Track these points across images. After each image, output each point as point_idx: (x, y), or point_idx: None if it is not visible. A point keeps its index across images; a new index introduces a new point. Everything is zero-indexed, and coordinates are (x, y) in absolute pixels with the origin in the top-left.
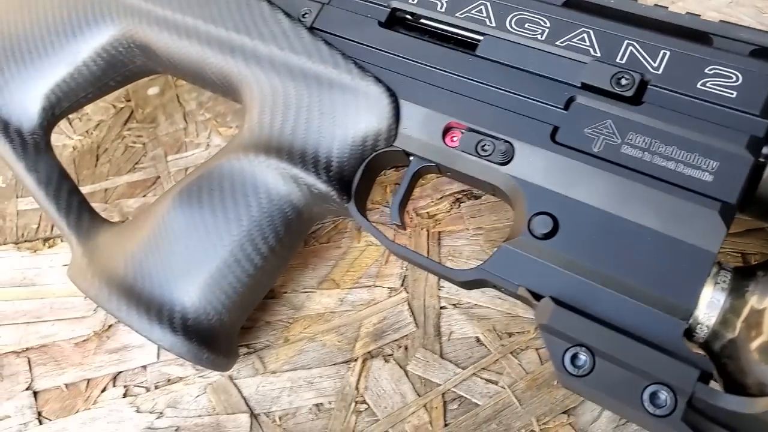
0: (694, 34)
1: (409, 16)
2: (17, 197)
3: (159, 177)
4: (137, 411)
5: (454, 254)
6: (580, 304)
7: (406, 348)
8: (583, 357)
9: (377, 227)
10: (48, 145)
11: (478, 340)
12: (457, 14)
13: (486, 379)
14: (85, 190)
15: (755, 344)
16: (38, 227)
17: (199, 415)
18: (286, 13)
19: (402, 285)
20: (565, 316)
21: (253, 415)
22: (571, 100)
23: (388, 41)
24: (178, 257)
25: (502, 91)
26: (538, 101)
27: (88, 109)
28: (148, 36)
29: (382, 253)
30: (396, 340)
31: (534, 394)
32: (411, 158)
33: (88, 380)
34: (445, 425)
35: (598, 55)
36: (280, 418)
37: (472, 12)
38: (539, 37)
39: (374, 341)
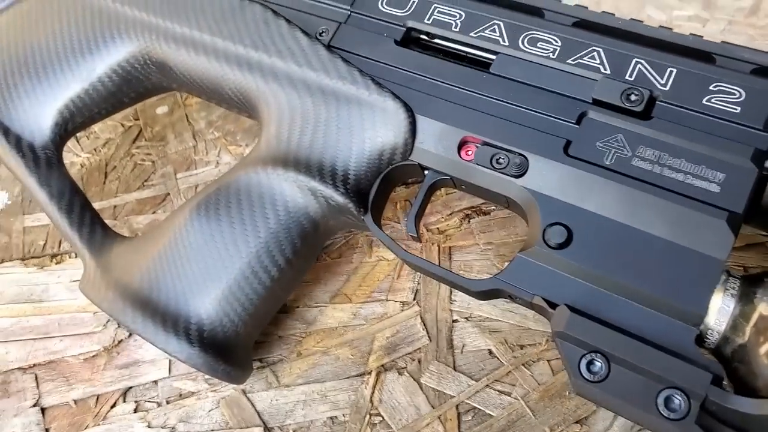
0: (697, 53)
1: (424, 36)
2: (23, 214)
3: (168, 194)
4: (148, 426)
5: (464, 269)
6: (594, 311)
7: (419, 361)
8: (599, 363)
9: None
10: (60, 160)
11: (490, 352)
12: (471, 34)
13: (499, 391)
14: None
15: (765, 348)
16: (45, 243)
17: (212, 430)
18: (303, 31)
19: (414, 299)
20: (580, 323)
21: (267, 429)
22: (583, 115)
23: (404, 59)
24: (195, 269)
25: (516, 107)
26: (551, 116)
27: (96, 127)
28: (165, 53)
29: (394, 267)
30: (409, 353)
31: (547, 405)
32: (426, 172)
33: (98, 396)
34: None
35: (608, 72)
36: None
37: (486, 32)
38: (551, 55)
39: (387, 354)
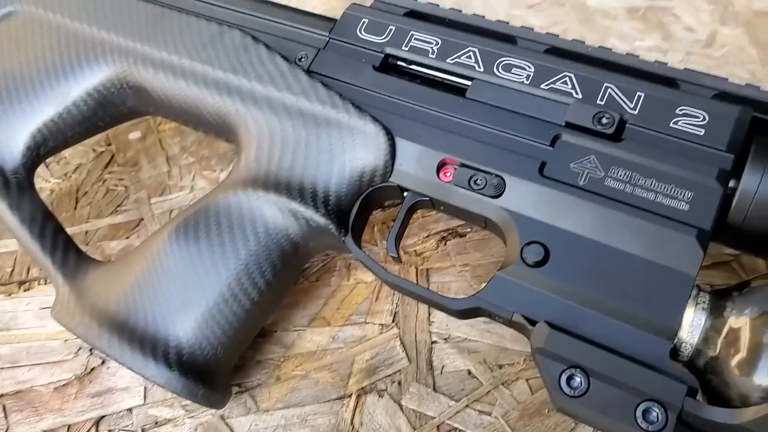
0: (662, 79)
1: (401, 62)
2: None
3: (143, 219)
4: None
5: (442, 290)
6: (572, 327)
7: (399, 383)
8: (578, 378)
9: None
10: (31, 184)
11: (469, 372)
12: (447, 60)
13: (479, 411)
14: None
15: (735, 360)
16: (12, 270)
17: None
18: (283, 56)
19: (393, 321)
20: (560, 339)
21: None
22: (556, 137)
23: (382, 84)
24: (173, 292)
25: (492, 130)
26: (526, 139)
27: (66, 152)
28: (142, 77)
29: (372, 290)
30: (389, 375)
31: (527, 423)
32: (405, 193)
33: (69, 426)
34: None
35: (580, 96)
36: None
37: (462, 58)
38: (525, 80)
39: (367, 377)
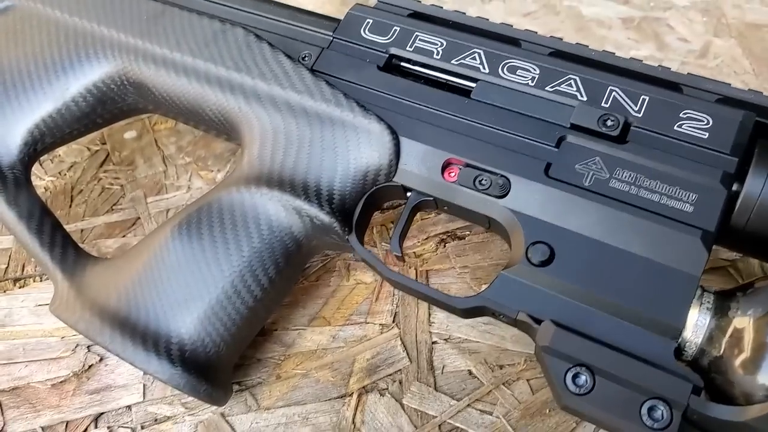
0: (666, 83)
1: (406, 63)
2: None
3: (139, 218)
4: None
5: (443, 291)
6: (577, 326)
7: (400, 382)
8: (584, 376)
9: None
10: (28, 180)
11: (470, 372)
12: (452, 61)
13: (480, 410)
14: None
15: (740, 359)
16: (7, 267)
17: None
18: (286, 54)
19: (393, 321)
20: (566, 337)
21: None
22: (562, 138)
23: (387, 83)
24: (176, 288)
25: (497, 131)
26: (531, 140)
27: (61, 150)
28: (143, 74)
29: (372, 290)
30: (390, 374)
31: (528, 423)
32: (409, 193)
33: (67, 422)
34: None
35: (585, 99)
36: None
37: (467, 59)
38: (530, 82)
39: (368, 376)
